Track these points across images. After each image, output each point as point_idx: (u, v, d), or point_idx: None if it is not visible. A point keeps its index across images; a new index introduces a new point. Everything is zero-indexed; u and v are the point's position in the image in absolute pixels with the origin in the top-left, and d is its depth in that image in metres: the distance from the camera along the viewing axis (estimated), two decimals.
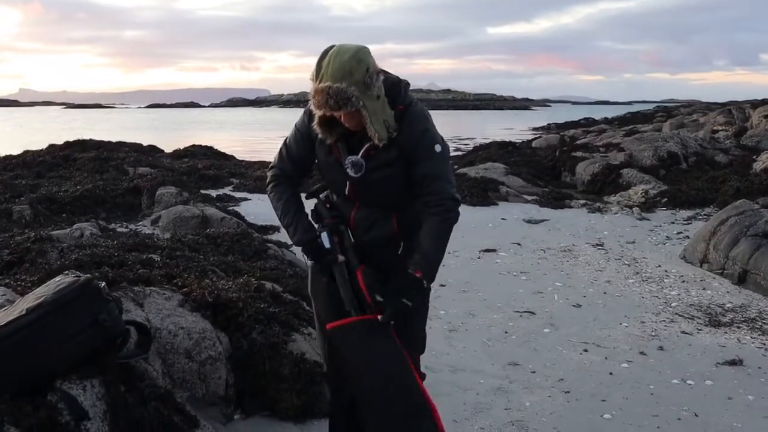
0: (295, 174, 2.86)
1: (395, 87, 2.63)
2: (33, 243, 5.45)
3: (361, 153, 2.63)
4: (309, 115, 2.70)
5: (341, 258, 2.71)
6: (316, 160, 2.80)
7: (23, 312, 2.60)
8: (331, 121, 2.59)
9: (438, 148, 2.65)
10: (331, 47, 2.51)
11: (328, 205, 2.82)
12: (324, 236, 2.72)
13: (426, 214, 2.66)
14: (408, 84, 2.69)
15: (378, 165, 2.64)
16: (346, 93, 2.44)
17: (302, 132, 2.77)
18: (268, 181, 2.90)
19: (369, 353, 2.67)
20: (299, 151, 2.80)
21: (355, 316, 2.67)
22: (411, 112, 2.63)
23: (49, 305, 2.61)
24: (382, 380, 2.65)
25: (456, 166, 16.46)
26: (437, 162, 2.65)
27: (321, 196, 2.85)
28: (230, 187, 12.94)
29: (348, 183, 2.70)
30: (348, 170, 2.65)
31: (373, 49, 2.59)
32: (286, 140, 2.86)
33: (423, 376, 2.93)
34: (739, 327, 5.52)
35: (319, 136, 2.66)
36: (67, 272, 2.97)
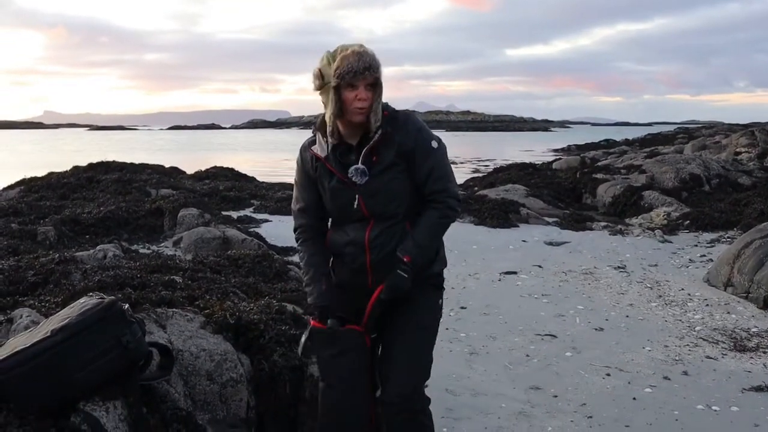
0: (314, 222, 2.90)
1: None
2: (57, 264, 5.50)
3: (360, 160, 2.67)
4: (302, 156, 2.83)
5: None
6: (323, 198, 2.82)
7: (48, 334, 2.63)
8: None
9: (435, 144, 2.73)
10: None
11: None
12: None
13: (428, 207, 2.73)
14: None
15: (381, 169, 2.68)
16: (374, 57, 2.59)
17: (301, 179, 2.87)
18: (297, 243, 2.96)
19: (339, 365, 2.78)
20: (308, 196, 2.87)
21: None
22: (401, 114, 2.74)
23: (73, 327, 2.63)
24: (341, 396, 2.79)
25: (476, 188, 16.43)
26: (437, 159, 2.73)
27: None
28: (251, 209, 13.02)
29: (357, 198, 2.71)
30: (353, 178, 2.67)
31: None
32: (293, 194, 2.94)
33: (428, 401, 2.91)
34: (765, 352, 5.43)
35: (316, 170, 2.77)
36: (91, 294, 3.01)
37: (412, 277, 2.68)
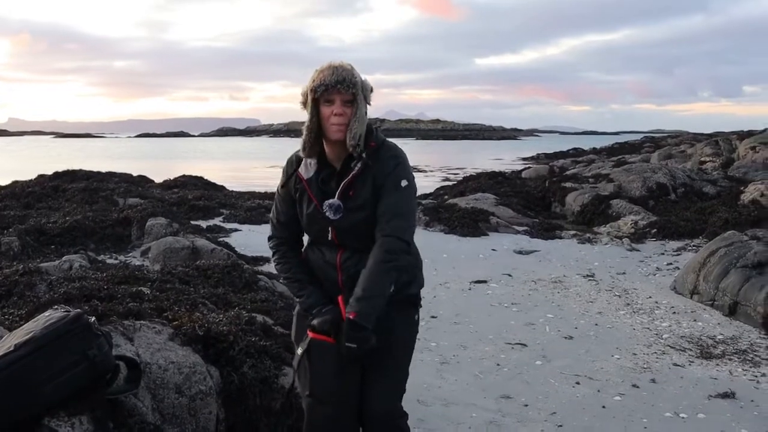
0: (292, 237, 2.88)
1: (368, 127, 2.68)
2: (21, 276, 5.39)
3: (337, 195, 2.65)
4: (286, 175, 2.78)
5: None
6: (300, 218, 2.79)
7: (11, 348, 2.57)
8: (315, 137, 2.64)
9: (404, 183, 2.66)
10: None
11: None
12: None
13: (374, 248, 2.63)
14: (378, 127, 2.76)
15: (356, 206, 2.65)
16: (352, 73, 2.58)
17: (283, 193, 2.82)
18: (272, 253, 2.91)
19: (335, 380, 2.69)
20: (288, 211, 2.82)
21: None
22: (385, 147, 2.69)
23: (38, 341, 2.58)
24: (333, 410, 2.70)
25: (446, 197, 16.48)
26: (400, 197, 2.65)
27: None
28: (220, 218, 12.91)
29: (330, 228, 2.69)
30: (327, 213, 2.65)
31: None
32: (273, 206, 2.90)
33: (406, 416, 2.89)
34: (730, 359, 5.52)
35: (297, 187, 2.73)
36: (56, 307, 2.95)
37: (366, 336, 2.56)
